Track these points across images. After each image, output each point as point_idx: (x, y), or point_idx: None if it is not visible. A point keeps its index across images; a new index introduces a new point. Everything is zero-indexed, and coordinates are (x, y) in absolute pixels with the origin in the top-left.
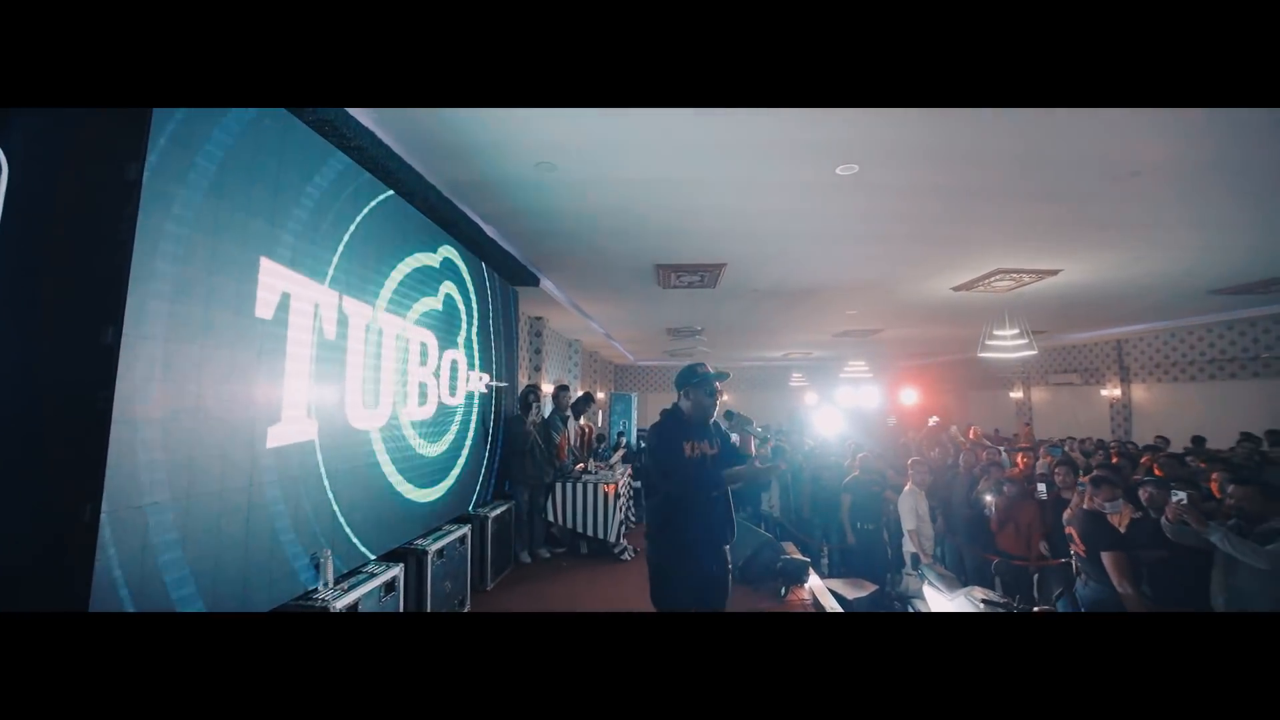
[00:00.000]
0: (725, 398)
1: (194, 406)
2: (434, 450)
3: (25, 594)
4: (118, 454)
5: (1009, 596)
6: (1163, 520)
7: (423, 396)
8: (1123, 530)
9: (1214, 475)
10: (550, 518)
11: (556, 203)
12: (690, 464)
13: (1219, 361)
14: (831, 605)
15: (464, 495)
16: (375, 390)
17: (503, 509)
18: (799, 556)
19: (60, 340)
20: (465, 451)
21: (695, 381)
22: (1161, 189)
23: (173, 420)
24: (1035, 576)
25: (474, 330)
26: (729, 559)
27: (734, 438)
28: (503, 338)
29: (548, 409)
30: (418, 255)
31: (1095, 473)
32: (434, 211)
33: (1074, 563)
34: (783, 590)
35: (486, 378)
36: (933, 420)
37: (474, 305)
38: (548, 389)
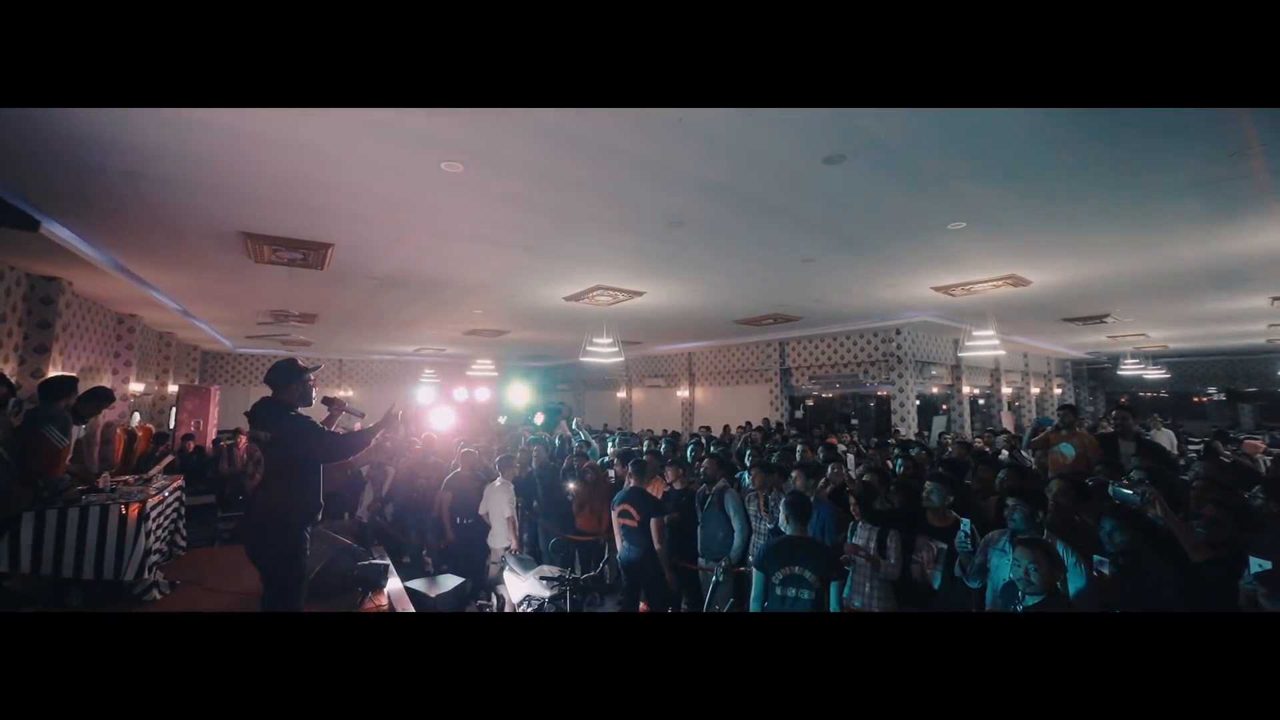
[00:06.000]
0: (349, 392)
1: None
2: None
3: None
4: None
5: (571, 569)
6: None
7: None
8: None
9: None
10: (2, 567)
11: (69, 116)
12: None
13: (741, 371)
14: (408, 607)
15: None
16: None
17: None
18: (379, 560)
19: None
20: None
21: (301, 376)
22: (697, 239)
23: None
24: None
25: None
26: None
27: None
28: None
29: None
30: None
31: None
32: None
33: (618, 533)
34: (360, 598)
35: None
36: (501, 419)
37: None
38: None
